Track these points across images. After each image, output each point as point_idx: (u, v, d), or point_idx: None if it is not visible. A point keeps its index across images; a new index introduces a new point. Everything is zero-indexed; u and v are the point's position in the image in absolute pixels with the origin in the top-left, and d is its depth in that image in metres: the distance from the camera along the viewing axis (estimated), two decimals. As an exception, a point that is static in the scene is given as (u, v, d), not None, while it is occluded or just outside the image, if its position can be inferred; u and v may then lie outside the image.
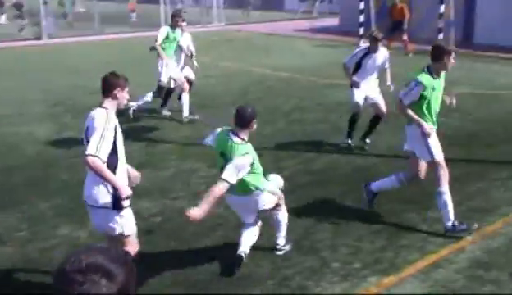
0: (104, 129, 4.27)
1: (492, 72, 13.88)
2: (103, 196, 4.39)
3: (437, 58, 5.76)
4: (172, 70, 10.14)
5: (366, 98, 8.57)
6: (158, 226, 6.21)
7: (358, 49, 8.71)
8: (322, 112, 10.85)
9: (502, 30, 17.80)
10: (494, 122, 9.99)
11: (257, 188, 5.09)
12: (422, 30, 18.83)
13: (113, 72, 4.75)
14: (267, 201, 5.23)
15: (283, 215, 5.45)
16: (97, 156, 4.18)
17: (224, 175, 4.77)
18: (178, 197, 7.00)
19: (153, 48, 10.10)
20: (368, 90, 8.52)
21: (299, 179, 7.45)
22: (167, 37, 10.02)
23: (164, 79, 10.14)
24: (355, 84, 8.42)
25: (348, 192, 7.00)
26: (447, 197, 5.76)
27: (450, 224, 5.78)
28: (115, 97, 4.54)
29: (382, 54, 8.44)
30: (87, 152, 4.21)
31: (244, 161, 4.84)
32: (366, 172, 7.59)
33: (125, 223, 4.51)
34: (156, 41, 9.92)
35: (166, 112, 10.77)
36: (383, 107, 8.57)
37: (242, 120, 5.03)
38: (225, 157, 4.95)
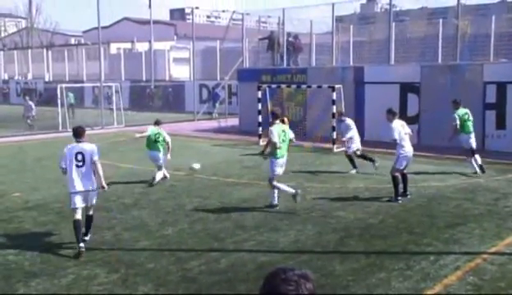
0: None
1: (382, 167, 14.68)
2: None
3: None
4: None
5: None
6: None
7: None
8: (224, 211, 10.88)
9: (386, 128, 19.11)
10: (387, 214, 10.48)
11: None
12: (317, 129, 19.86)
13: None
14: None
15: None
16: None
17: None
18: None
19: None
20: None
21: (204, 280, 7.29)
22: None
23: None
24: None
25: (254, 290, 6.92)
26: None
27: None
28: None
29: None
30: (97, 158, 8.58)
31: None
32: (271, 269, 7.57)
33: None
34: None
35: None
36: None
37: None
38: None
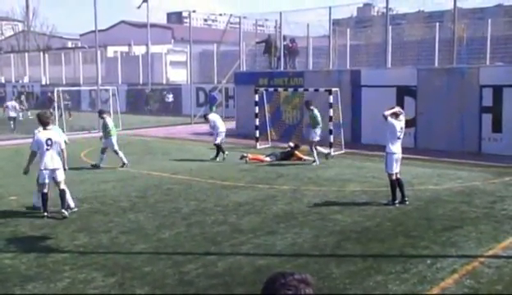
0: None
1: (380, 170, 14.71)
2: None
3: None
4: None
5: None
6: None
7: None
8: (221, 214, 10.86)
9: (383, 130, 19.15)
10: (384, 218, 10.48)
11: None
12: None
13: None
14: None
15: None
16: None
17: None
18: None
19: None
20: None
21: (201, 283, 7.27)
22: None
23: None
24: None
25: (252, 292, 6.90)
26: None
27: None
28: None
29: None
30: (64, 145, 10.76)
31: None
32: (268, 272, 7.56)
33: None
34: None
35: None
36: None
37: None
38: None
